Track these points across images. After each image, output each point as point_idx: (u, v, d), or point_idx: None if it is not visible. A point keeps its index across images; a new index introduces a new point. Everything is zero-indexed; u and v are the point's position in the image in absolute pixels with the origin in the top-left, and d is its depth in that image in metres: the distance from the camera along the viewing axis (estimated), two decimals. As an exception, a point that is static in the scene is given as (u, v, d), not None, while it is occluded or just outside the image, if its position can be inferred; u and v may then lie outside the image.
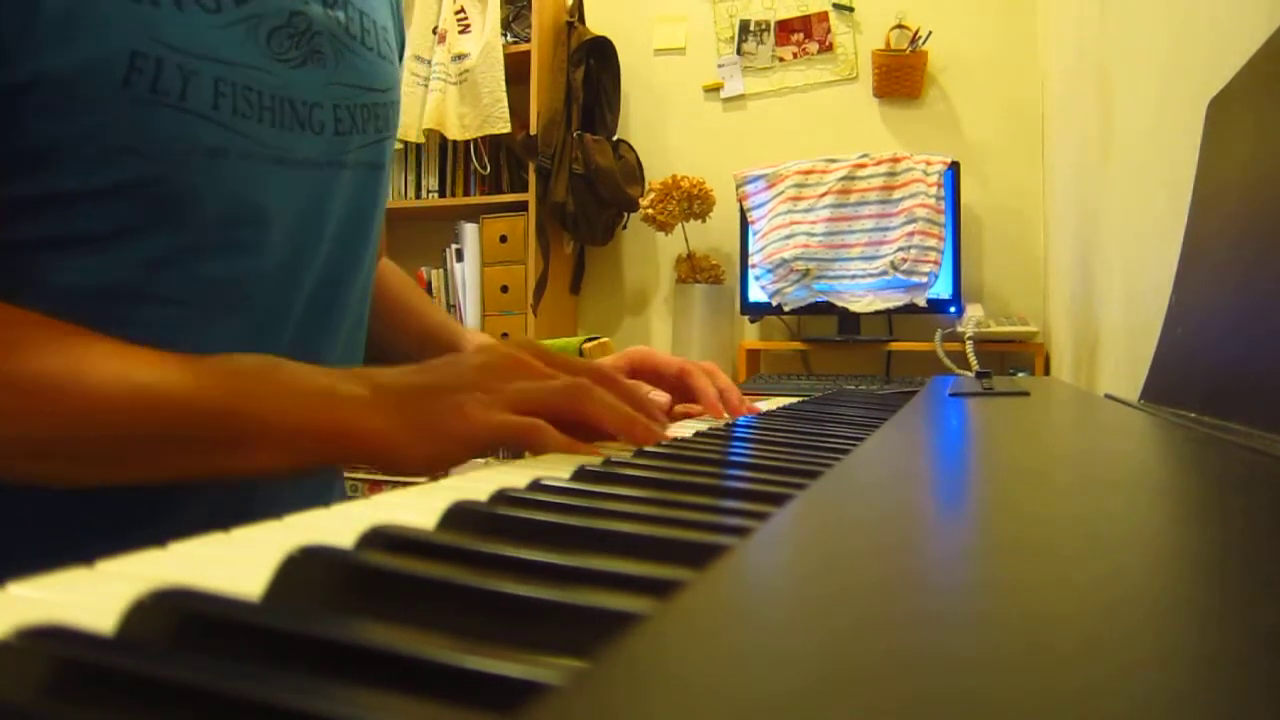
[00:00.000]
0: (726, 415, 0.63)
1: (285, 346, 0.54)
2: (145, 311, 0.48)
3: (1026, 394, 0.72)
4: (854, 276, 2.11)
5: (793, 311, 2.18)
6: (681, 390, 0.66)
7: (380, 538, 0.21)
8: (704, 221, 2.30)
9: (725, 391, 0.65)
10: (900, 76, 2.28)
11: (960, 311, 2.03)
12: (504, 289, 2.42)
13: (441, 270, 2.53)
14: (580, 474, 0.33)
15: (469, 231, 2.47)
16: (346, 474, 2.17)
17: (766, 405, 0.76)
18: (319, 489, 0.66)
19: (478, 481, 0.32)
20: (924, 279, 2.02)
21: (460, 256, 2.48)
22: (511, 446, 0.42)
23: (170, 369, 0.42)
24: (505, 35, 2.46)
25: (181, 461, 0.42)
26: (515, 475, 0.32)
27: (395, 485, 0.33)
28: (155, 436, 0.41)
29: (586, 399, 0.43)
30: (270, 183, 0.54)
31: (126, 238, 0.48)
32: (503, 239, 2.42)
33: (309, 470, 0.43)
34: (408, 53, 2.41)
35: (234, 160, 0.51)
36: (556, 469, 0.34)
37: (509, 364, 0.45)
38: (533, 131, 2.37)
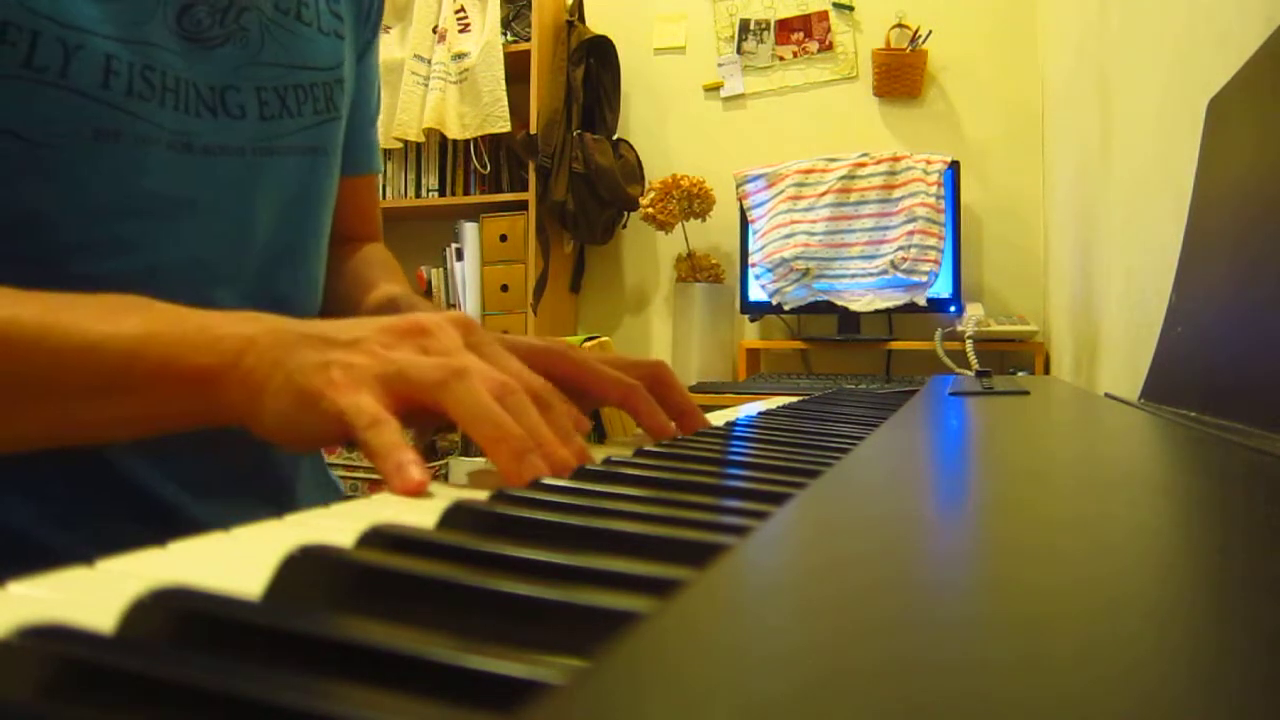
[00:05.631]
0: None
1: None
2: None
3: (1026, 393, 0.72)
4: (854, 275, 2.11)
5: (793, 311, 2.18)
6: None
7: (380, 537, 0.21)
8: (704, 221, 2.30)
9: (684, 417, 0.52)
10: (900, 76, 2.28)
11: (960, 311, 2.03)
12: (504, 288, 2.42)
13: (441, 269, 2.53)
14: (580, 473, 0.33)
15: (469, 230, 2.47)
16: (347, 474, 2.18)
17: (766, 405, 0.76)
18: (320, 488, 0.65)
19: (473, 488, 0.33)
20: (924, 278, 2.02)
21: (460, 255, 2.48)
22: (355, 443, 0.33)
23: (23, 301, 0.36)
24: (505, 34, 2.46)
25: (29, 410, 0.36)
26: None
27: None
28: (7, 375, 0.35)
29: (444, 388, 0.34)
30: (172, 171, 0.49)
31: (5, 233, 0.44)
32: (503, 238, 2.42)
33: (182, 428, 0.37)
34: (408, 52, 2.42)
35: (127, 145, 0.47)
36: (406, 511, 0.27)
37: (407, 326, 0.37)
38: (533, 131, 2.37)
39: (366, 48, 0.68)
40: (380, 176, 0.72)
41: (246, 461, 0.56)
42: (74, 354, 0.35)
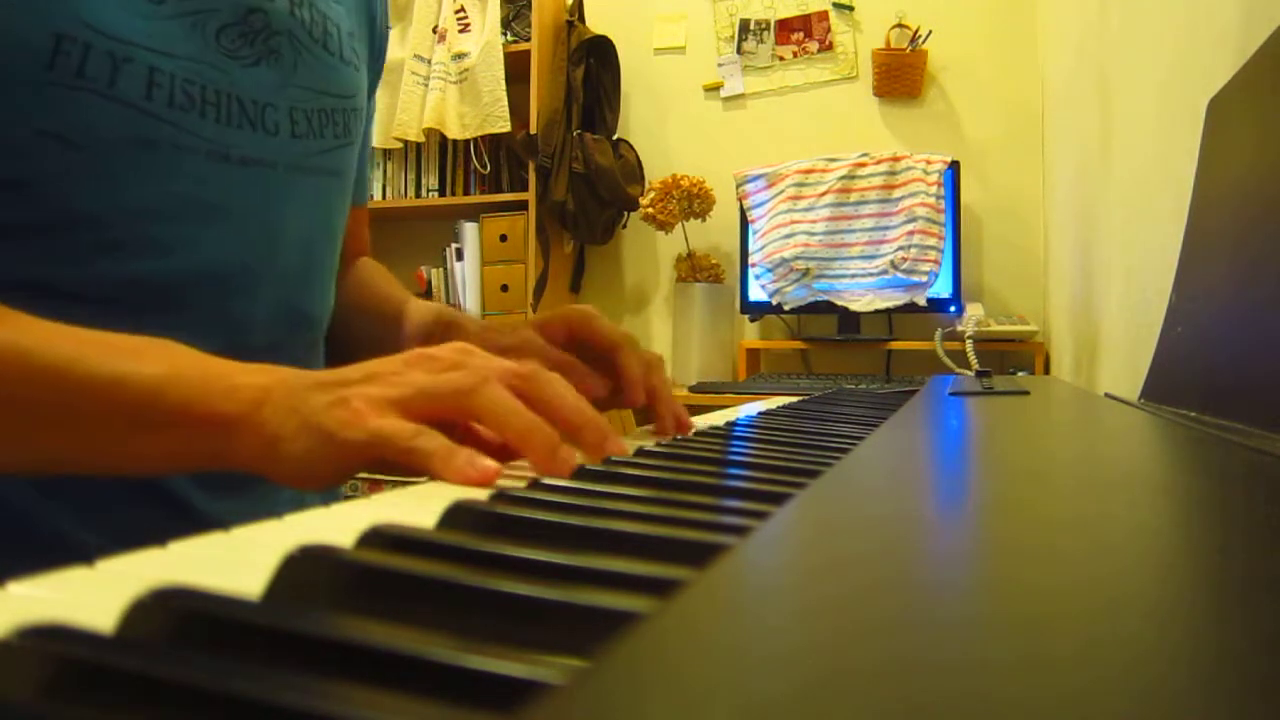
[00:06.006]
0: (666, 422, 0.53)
1: (239, 357, 0.44)
2: (62, 310, 0.41)
3: (1026, 393, 0.72)
4: (854, 275, 2.10)
5: (793, 311, 2.18)
6: (610, 368, 0.55)
7: (380, 537, 0.21)
8: (704, 220, 2.30)
9: (655, 393, 0.54)
10: (900, 76, 2.28)
11: (960, 311, 2.03)
12: (504, 288, 2.42)
13: (441, 269, 2.53)
14: (580, 473, 0.33)
15: (469, 230, 2.47)
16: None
17: (766, 405, 0.76)
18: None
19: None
20: (924, 278, 2.02)
21: (460, 255, 2.48)
22: (393, 464, 0.34)
23: (57, 335, 0.38)
24: (505, 34, 2.46)
25: (50, 439, 0.38)
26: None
27: (395, 485, 0.33)
28: (24, 403, 0.37)
29: (470, 396, 0.36)
30: (209, 179, 0.51)
31: (46, 232, 0.46)
32: (503, 238, 2.42)
33: (193, 469, 0.39)
34: (408, 52, 2.42)
35: (166, 153, 0.49)
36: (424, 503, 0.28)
37: (411, 356, 0.39)
38: (533, 131, 2.37)
39: (372, 86, 0.71)
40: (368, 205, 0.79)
41: None
42: (100, 388, 0.37)
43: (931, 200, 2.04)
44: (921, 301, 2.04)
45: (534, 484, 0.30)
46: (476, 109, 2.40)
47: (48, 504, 0.48)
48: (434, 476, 0.33)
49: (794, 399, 0.88)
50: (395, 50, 2.45)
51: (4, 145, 0.44)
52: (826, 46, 2.40)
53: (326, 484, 0.36)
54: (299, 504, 0.60)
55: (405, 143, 2.49)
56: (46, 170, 0.45)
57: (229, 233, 0.53)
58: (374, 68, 0.71)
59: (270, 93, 0.55)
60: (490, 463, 0.33)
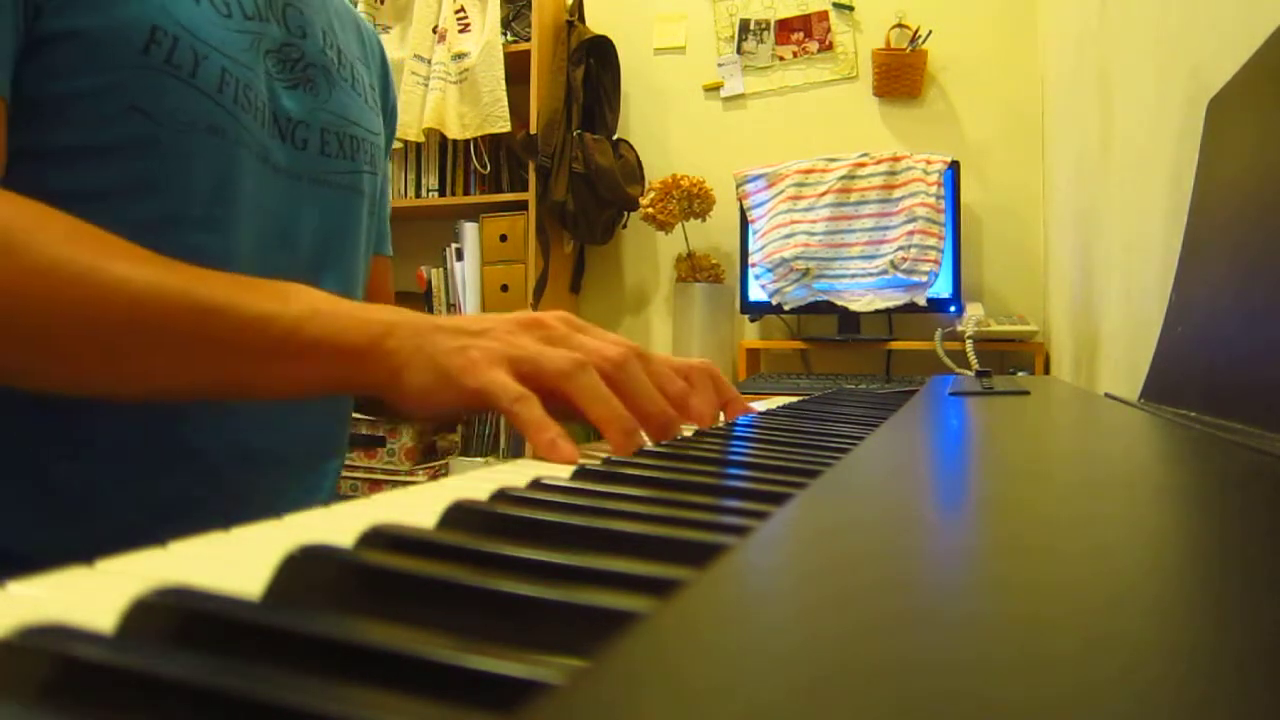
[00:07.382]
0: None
1: None
2: None
3: (1026, 393, 0.72)
4: (854, 276, 2.10)
5: (793, 311, 2.18)
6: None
7: (380, 537, 0.21)
8: (704, 220, 2.30)
9: (730, 404, 0.62)
10: (900, 76, 2.28)
11: (960, 311, 2.03)
12: (504, 288, 2.42)
13: (441, 269, 2.52)
14: (580, 473, 0.34)
15: (469, 230, 2.47)
16: (345, 473, 2.17)
17: (766, 405, 0.76)
18: (314, 487, 0.67)
19: (478, 481, 0.33)
20: (924, 278, 2.02)
21: (460, 256, 2.48)
22: (496, 410, 0.40)
23: (216, 280, 0.43)
24: (505, 34, 2.46)
25: (209, 367, 0.43)
26: (515, 475, 0.32)
27: (395, 485, 0.33)
28: (188, 336, 0.42)
29: (570, 379, 0.41)
30: (251, 174, 0.58)
31: (122, 197, 0.52)
32: (503, 238, 2.42)
33: (326, 393, 0.44)
34: (408, 52, 2.42)
35: (228, 143, 0.56)
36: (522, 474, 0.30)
37: (526, 320, 0.44)
38: (533, 131, 2.37)
39: (388, 144, 0.80)
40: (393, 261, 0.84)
41: (297, 447, 0.65)
42: (252, 323, 0.42)
43: (931, 200, 2.04)
44: (921, 301, 2.04)
45: (534, 484, 0.30)
46: (476, 109, 2.40)
47: (89, 476, 0.52)
48: (524, 438, 0.38)
49: (794, 399, 0.88)
50: (395, 50, 2.45)
51: (101, 116, 0.51)
52: (826, 46, 2.40)
53: (437, 415, 0.42)
54: (325, 494, 0.64)
55: (405, 143, 2.49)
56: (131, 140, 0.52)
57: (257, 224, 0.59)
58: (388, 127, 0.78)
59: (305, 114, 0.63)
60: (572, 448, 0.37)
